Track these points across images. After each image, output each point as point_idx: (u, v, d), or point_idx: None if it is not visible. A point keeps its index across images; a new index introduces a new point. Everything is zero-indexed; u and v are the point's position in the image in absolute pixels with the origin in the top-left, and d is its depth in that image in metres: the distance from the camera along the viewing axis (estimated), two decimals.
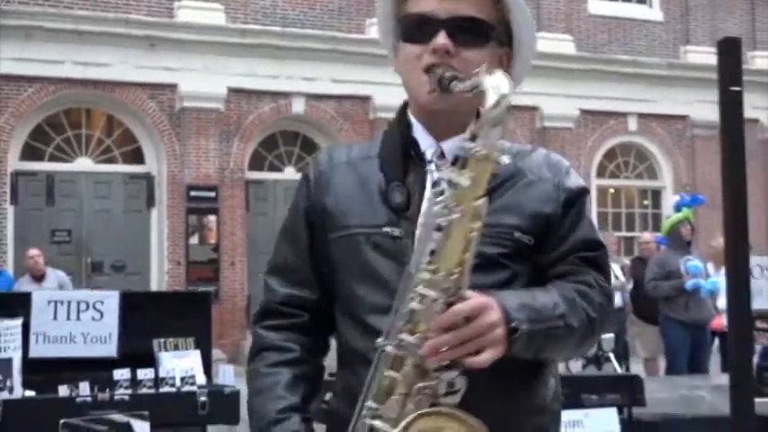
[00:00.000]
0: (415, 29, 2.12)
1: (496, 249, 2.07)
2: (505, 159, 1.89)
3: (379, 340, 1.89)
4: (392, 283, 2.00)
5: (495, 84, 1.88)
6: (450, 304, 1.84)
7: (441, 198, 1.87)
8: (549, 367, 2.18)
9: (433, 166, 2.11)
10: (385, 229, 2.08)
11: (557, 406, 2.22)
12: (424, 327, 1.86)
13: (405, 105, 2.21)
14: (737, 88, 5.54)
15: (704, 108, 19.33)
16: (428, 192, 2.06)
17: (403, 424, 1.86)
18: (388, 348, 1.88)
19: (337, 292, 2.17)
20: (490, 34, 2.13)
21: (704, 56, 19.63)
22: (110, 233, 17.90)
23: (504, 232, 2.09)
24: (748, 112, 5.83)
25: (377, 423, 1.89)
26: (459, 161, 1.89)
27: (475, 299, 1.87)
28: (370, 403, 1.91)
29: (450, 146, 2.12)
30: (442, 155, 2.13)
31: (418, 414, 1.86)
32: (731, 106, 5.63)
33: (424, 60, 2.08)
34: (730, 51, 5.61)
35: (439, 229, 1.86)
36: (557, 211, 2.14)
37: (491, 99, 1.86)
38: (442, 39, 2.05)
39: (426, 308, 1.85)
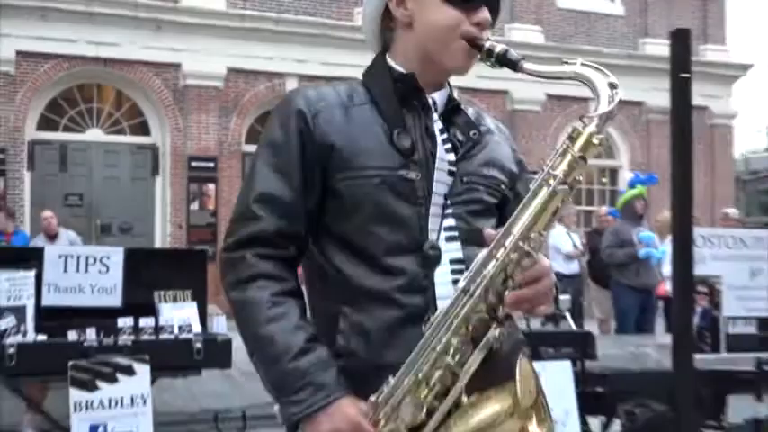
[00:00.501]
0: None
1: (492, 199, 2.13)
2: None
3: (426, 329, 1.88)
4: (409, 223, 2.00)
5: (602, 81, 1.99)
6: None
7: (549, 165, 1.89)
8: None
9: (436, 116, 2.11)
10: (400, 172, 2.01)
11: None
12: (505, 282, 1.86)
13: (382, 58, 2.17)
14: (687, 75, 5.57)
15: (659, 95, 19.37)
16: (439, 138, 2.08)
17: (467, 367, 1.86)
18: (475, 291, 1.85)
19: (339, 230, 2.05)
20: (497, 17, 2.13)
21: (660, 48, 19.63)
22: (117, 198, 17.87)
23: (496, 184, 2.15)
24: (698, 100, 5.86)
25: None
26: (568, 140, 1.91)
27: (544, 260, 1.93)
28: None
29: (439, 98, 2.13)
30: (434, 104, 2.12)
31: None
32: (680, 91, 5.66)
33: (464, 28, 2.04)
34: (681, 41, 5.63)
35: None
36: (516, 170, 2.20)
37: (605, 97, 1.95)
38: (486, 14, 2.06)
39: (514, 263, 1.85)
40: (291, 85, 18.41)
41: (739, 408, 5.80)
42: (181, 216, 18.13)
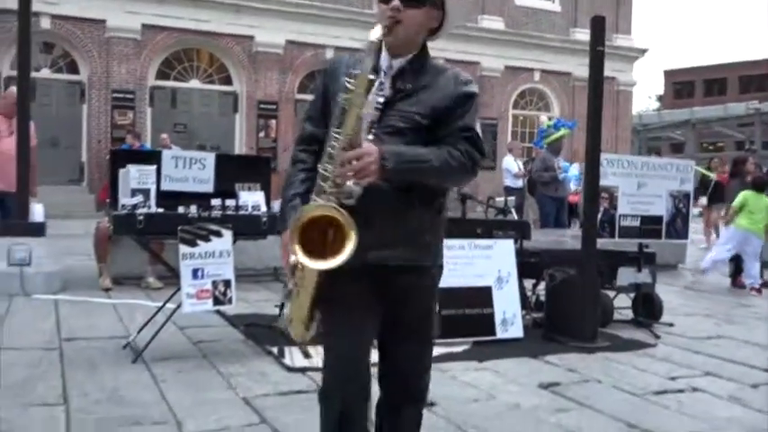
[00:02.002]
0: None
1: (401, 124, 2.10)
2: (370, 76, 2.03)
3: (320, 166, 2.04)
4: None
5: (372, 36, 2.04)
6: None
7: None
8: (417, 208, 2.13)
9: (382, 74, 2.13)
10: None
11: (431, 240, 2.18)
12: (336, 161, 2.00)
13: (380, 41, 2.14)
14: (601, 48, 5.50)
15: (582, 69, 19.07)
16: (375, 87, 2.11)
17: (309, 207, 2.01)
18: (320, 169, 2.04)
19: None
20: (426, 2, 2.13)
21: (585, 35, 19.28)
22: (209, 128, 17.84)
23: (409, 116, 2.12)
24: (608, 72, 5.79)
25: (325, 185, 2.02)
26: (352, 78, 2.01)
27: (363, 147, 1.99)
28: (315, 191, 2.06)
29: (396, 63, 2.15)
30: (391, 67, 2.15)
31: (316, 206, 2.00)
32: (596, 61, 5.59)
33: (387, 14, 2.08)
34: (598, 25, 5.55)
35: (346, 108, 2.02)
36: (451, 106, 2.13)
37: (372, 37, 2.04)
38: (396, 2, 2.08)
39: (338, 152, 1.99)
40: (329, 53, 18.21)
41: (625, 276, 5.84)
42: (252, 142, 18.12)
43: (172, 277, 6.49)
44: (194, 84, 18.09)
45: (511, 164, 12.41)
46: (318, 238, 1.99)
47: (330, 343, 2.17)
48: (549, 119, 12.97)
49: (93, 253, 7.13)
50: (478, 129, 2.17)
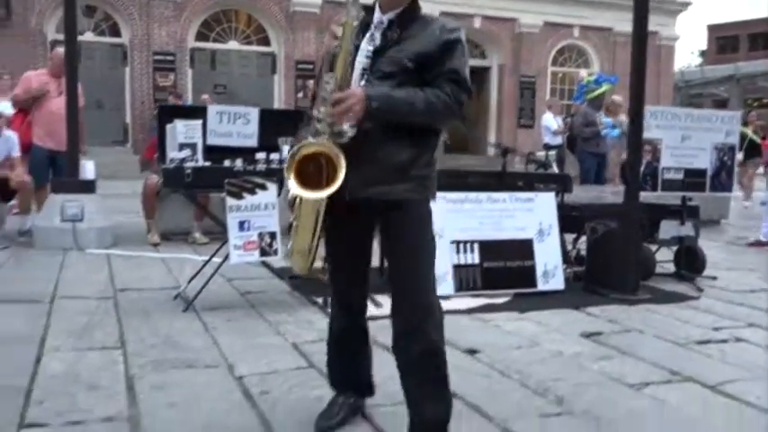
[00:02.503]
0: None
1: (390, 68, 2.24)
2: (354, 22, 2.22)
3: (314, 110, 2.25)
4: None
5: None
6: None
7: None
8: (405, 143, 2.25)
9: (373, 27, 2.32)
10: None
11: (423, 174, 2.30)
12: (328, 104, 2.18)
13: None
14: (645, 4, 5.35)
15: (623, 24, 18.68)
16: (366, 37, 2.31)
17: (301, 144, 2.22)
18: (314, 113, 2.24)
19: None
20: None
21: None
22: (248, 88, 17.90)
23: (397, 60, 2.25)
24: (650, 27, 5.62)
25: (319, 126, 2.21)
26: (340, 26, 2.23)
27: (348, 90, 2.16)
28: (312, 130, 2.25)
29: (386, 17, 2.31)
30: (382, 21, 2.31)
31: (309, 143, 2.20)
32: (640, 16, 5.46)
33: None
34: None
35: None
36: (435, 51, 2.25)
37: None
38: None
39: (329, 95, 2.18)
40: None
41: (667, 229, 5.77)
42: (290, 102, 18.12)
43: (217, 233, 6.64)
44: (233, 45, 18.13)
45: (550, 121, 12.25)
46: (314, 172, 2.19)
47: (331, 278, 2.53)
48: (590, 74, 12.67)
49: (140, 210, 7.29)
50: (467, 73, 2.28)
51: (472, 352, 3.65)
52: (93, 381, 3.05)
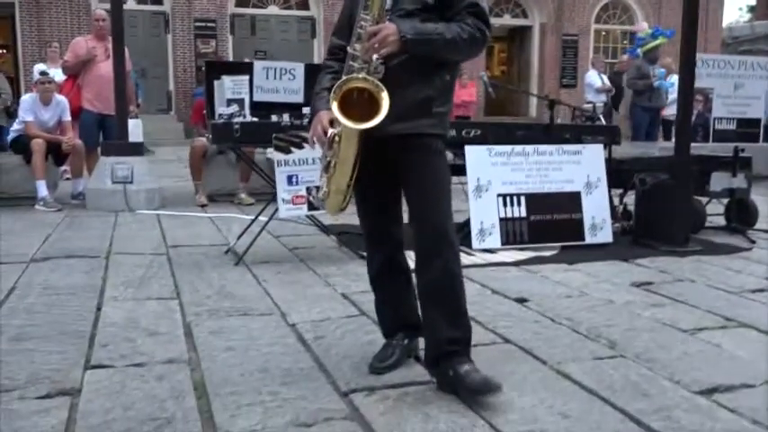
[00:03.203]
0: None
1: (412, 6, 2.35)
2: None
3: (349, 48, 2.35)
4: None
5: None
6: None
7: None
8: (428, 80, 2.38)
9: None
10: None
11: (441, 111, 2.43)
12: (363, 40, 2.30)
13: None
14: None
15: None
16: None
17: (344, 78, 2.31)
18: (350, 50, 2.35)
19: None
20: None
21: None
22: (288, 52, 17.73)
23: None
24: None
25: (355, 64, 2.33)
26: None
27: (381, 24, 2.28)
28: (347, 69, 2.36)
29: None
30: None
31: (353, 77, 2.31)
32: None
33: None
34: None
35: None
36: None
37: None
38: None
39: (365, 32, 2.30)
40: None
41: (719, 181, 5.64)
42: None
43: (262, 194, 6.71)
44: (272, 10, 18.08)
45: (594, 77, 11.99)
46: (356, 106, 2.28)
47: (363, 221, 2.63)
48: (648, 27, 12.29)
49: (187, 174, 7.40)
50: (485, 6, 2.39)
51: (521, 301, 3.64)
52: (153, 327, 3.13)
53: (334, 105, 2.26)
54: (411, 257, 2.54)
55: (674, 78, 10.80)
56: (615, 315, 3.41)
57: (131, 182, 6.68)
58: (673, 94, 10.81)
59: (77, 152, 7.03)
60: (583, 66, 18.20)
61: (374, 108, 2.27)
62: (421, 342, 2.68)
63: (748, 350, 2.93)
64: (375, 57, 2.28)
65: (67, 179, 7.52)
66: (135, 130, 7.04)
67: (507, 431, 2.15)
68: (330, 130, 2.35)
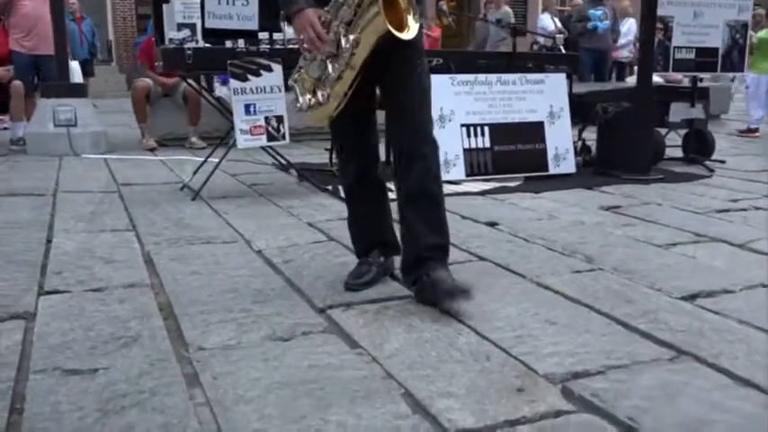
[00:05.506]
0: None
1: None
2: None
3: None
4: None
5: None
6: None
7: None
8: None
9: None
10: None
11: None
12: None
13: None
14: None
15: None
16: None
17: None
18: None
19: None
20: None
21: None
22: None
23: None
24: None
25: None
26: None
27: None
28: None
29: None
30: None
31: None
32: None
33: None
34: None
35: None
36: None
37: None
38: None
39: None
40: None
41: (677, 112, 5.65)
42: None
43: (214, 138, 6.46)
44: None
45: (547, 21, 11.90)
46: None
47: (335, 131, 2.53)
48: None
49: (134, 121, 7.09)
50: None
51: (492, 224, 3.56)
52: (109, 256, 2.94)
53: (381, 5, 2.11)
54: (391, 188, 2.45)
55: (629, 22, 10.85)
56: (588, 234, 3.36)
57: (75, 125, 6.34)
58: (627, 37, 10.90)
59: (16, 93, 6.63)
60: (531, 10, 18.07)
61: (395, 14, 2.15)
62: (397, 261, 2.58)
63: (723, 261, 2.92)
64: None
65: (5, 129, 7.11)
66: (74, 70, 6.65)
67: (494, 337, 2.06)
68: (351, 36, 2.18)
